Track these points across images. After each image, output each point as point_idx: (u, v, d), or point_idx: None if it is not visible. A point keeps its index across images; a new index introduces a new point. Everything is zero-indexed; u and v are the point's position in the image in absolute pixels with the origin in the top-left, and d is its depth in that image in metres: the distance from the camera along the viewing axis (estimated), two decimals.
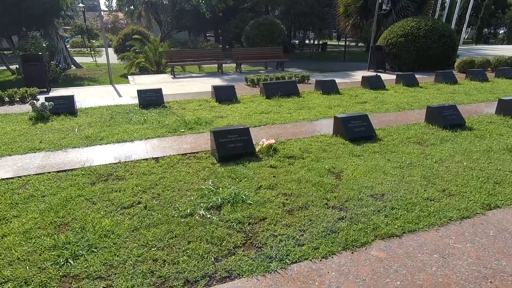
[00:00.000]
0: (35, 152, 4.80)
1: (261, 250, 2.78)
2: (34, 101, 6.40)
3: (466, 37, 46.25)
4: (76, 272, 2.53)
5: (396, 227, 3.09)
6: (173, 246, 2.81)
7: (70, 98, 6.89)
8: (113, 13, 43.56)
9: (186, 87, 10.89)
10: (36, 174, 4.11)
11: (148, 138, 5.42)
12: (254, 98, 8.39)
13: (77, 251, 2.74)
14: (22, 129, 5.83)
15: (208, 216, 3.23)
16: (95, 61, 21.91)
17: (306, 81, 11.00)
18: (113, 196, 3.60)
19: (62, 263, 2.62)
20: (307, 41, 34.87)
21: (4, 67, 16.95)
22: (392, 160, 4.57)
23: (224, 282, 2.45)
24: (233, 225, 3.09)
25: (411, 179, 4.00)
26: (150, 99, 7.46)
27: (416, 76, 10.94)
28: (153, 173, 4.17)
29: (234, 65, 15.75)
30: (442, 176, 4.10)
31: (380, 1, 15.10)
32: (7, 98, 7.75)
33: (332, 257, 2.71)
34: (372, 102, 8.00)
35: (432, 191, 3.73)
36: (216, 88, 8.04)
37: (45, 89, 10.20)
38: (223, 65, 15.38)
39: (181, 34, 35.10)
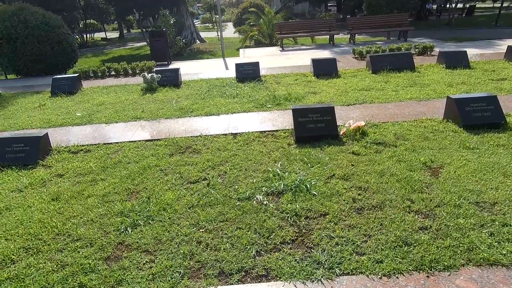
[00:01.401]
0: (135, 121, 5.33)
1: (311, 251, 2.42)
2: (145, 73, 7.11)
3: None
4: (130, 241, 2.66)
5: (504, 252, 2.29)
6: (221, 230, 2.69)
7: (176, 71, 7.41)
8: None
9: (291, 60, 10.56)
10: (129, 142, 4.54)
11: (234, 113, 5.41)
12: (357, 73, 7.54)
13: (137, 220, 2.88)
14: (133, 98, 6.56)
15: (265, 202, 2.99)
16: (218, 35, 23.34)
17: (428, 52, 9.34)
18: (184, 170, 3.69)
19: (122, 230, 2.79)
20: (448, 5, 29.62)
21: (145, 43, 19.62)
22: None
23: (258, 281, 2.21)
24: (288, 217, 2.79)
25: None
26: (247, 73, 7.45)
27: None
28: (227, 149, 4.12)
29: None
30: None
31: None
32: (130, 70, 8.87)
33: (397, 277, 2.16)
34: None
35: None
36: (314, 62, 7.49)
37: (166, 62, 11.34)
38: (336, 36, 14.38)
39: (301, 6, 34.27)
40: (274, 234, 2.61)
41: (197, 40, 20.21)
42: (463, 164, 3.39)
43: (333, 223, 2.68)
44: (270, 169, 3.55)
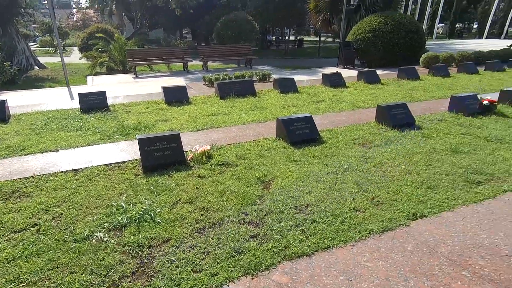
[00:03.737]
0: None
1: (151, 280, 2.47)
2: None
3: (440, 32, 46.97)
4: None
5: (309, 244, 2.82)
6: (49, 279, 2.46)
7: (1, 104, 6.38)
8: (83, 10, 42.12)
9: (145, 87, 10.43)
10: None
11: (76, 147, 5.01)
12: (207, 99, 8.05)
13: None
14: None
15: (105, 239, 2.89)
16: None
17: (267, 79, 10.70)
18: (7, 218, 3.21)
19: None
20: (284, 37, 34.56)
21: None
22: (330, 165, 4.33)
23: None
24: (130, 250, 2.77)
25: (342, 187, 3.76)
26: (93, 103, 7.01)
27: (382, 72, 10.83)
28: (66, 188, 3.80)
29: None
30: (377, 182, 3.88)
31: None
32: None
33: (228, 285, 2.42)
34: (328, 101, 7.78)
35: (360, 199, 3.49)
36: (165, 89, 7.65)
37: None
38: (191, 63, 14.99)
39: (156, 32, 34.24)
40: (113, 270, 2.55)
41: (35, 66, 17.77)
42: (288, 175, 4.04)
43: (175, 247, 2.80)
44: (114, 203, 3.44)
